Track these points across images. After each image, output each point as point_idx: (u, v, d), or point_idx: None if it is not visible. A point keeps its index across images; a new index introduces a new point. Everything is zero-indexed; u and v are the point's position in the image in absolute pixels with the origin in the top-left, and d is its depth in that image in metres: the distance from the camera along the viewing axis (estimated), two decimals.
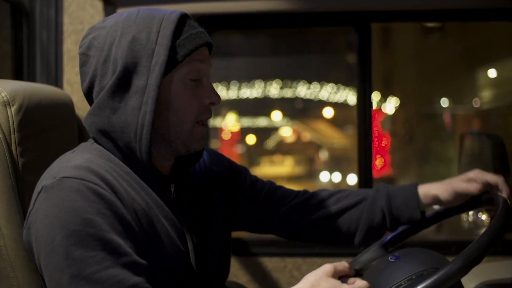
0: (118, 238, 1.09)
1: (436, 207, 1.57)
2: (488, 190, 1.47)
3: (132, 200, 1.15)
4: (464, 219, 1.94)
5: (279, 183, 1.65)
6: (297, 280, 2.40)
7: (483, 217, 1.88)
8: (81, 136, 1.70)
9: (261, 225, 1.59)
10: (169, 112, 1.20)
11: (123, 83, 1.17)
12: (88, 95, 1.25)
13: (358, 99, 2.29)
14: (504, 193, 1.41)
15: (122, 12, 1.25)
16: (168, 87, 1.20)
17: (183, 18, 1.22)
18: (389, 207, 1.50)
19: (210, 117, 1.25)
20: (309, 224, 1.55)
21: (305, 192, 1.61)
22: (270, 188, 1.59)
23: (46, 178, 1.14)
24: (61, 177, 1.10)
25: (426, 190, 1.50)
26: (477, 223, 1.91)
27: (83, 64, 1.23)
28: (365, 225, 1.52)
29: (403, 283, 1.23)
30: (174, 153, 1.25)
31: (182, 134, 1.22)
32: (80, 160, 1.15)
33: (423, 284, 1.08)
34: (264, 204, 1.56)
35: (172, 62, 1.18)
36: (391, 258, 1.33)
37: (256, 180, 1.60)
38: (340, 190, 1.59)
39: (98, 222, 1.07)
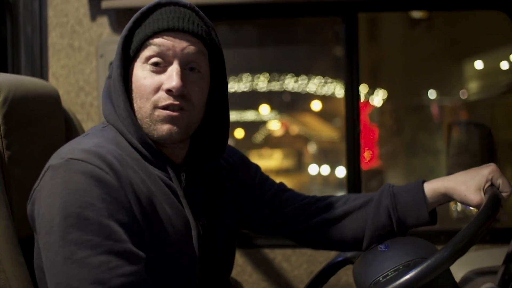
0: (116, 225, 1.09)
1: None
2: None
3: (136, 188, 1.17)
4: (453, 209, 1.95)
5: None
6: (286, 272, 2.37)
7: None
8: (68, 128, 1.68)
9: (263, 224, 1.56)
10: (136, 97, 1.23)
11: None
12: None
13: (346, 89, 2.29)
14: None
15: None
16: (132, 74, 1.24)
17: (157, 7, 1.24)
18: (394, 205, 1.40)
19: (173, 104, 1.21)
20: (313, 227, 1.50)
21: (313, 196, 1.56)
22: (278, 188, 1.57)
23: (55, 158, 1.16)
24: (68, 158, 1.13)
25: (434, 186, 1.38)
26: (465, 212, 1.91)
27: None
28: (371, 229, 1.42)
29: (390, 273, 1.24)
30: (155, 138, 1.24)
31: (144, 118, 1.23)
32: (90, 144, 1.18)
33: (409, 275, 1.08)
34: (269, 203, 1.53)
35: (131, 51, 1.23)
36: (380, 247, 1.34)
37: (266, 178, 1.59)
38: (349, 194, 1.53)
39: (98, 206, 1.08)
